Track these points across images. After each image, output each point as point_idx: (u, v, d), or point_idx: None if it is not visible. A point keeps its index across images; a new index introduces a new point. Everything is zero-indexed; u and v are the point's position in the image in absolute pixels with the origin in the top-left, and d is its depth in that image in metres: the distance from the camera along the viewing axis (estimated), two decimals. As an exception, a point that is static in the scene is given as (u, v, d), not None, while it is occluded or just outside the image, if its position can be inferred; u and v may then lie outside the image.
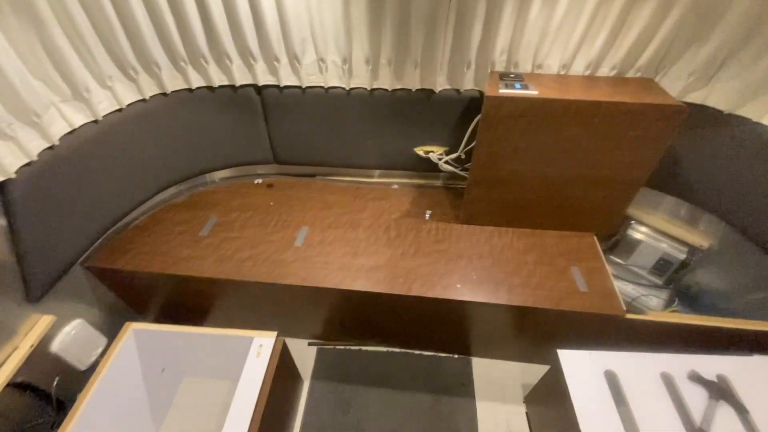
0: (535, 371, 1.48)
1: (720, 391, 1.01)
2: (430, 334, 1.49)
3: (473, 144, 1.43)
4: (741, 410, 0.98)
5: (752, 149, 1.20)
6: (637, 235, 1.60)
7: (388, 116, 1.48)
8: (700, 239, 1.49)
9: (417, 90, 1.39)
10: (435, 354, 1.57)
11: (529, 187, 1.33)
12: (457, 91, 1.38)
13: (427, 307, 1.27)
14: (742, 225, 1.30)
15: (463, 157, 1.49)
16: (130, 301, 1.52)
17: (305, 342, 1.62)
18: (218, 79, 1.45)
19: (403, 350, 1.58)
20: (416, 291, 1.23)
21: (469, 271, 1.30)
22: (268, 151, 1.67)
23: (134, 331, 1.22)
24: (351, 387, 1.47)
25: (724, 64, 1.18)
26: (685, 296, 1.61)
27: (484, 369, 1.53)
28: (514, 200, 1.37)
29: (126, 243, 1.42)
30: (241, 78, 1.44)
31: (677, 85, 1.25)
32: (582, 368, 1.07)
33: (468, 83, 1.35)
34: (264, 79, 1.44)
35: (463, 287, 1.25)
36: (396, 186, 1.67)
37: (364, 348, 1.59)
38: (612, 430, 0.95)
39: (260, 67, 1.41)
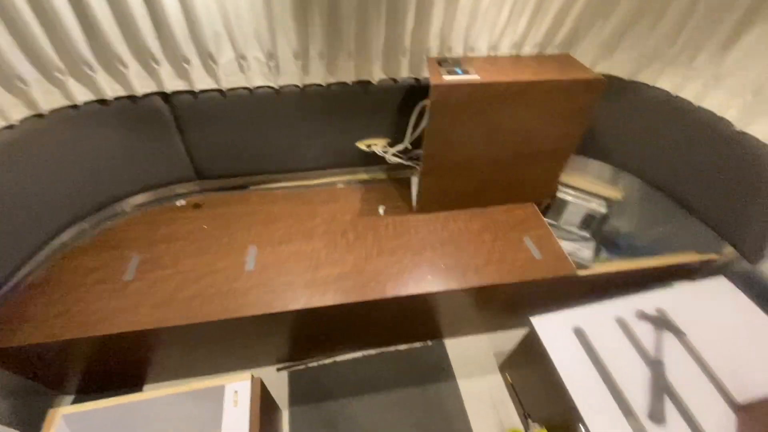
0: (502, 338, 1.58)
1: (661, 322, 1.18)
2: (403, 329, 1.49)
3: (418, 132, 1.42)
4: (679, 334, 1.16)
5: (649, 110, 1.39)
6: (565, 197, 1.77)
7: (325, 113, 1.38)
8: (615, 192, 1.71)
9: (354, 83, 1.31)
10: (410, 346, 1.57)
11: (478, 169, 1.36)
12: (394, 80, 1.34)
13: (402, 304, 1.25)
14: (649, 177, 1.51)
15: (409, 147, 1.46)
16: (44, 379, 1.23)
17: (273, 368, 1.49)
18: (111, 90, 1.18)
19: (378, 350, 1.55)
20: (391, 292, 1.20)
21: (436, 260, 1.31)
22: (187, 166, 1.44)
23: (65, 417, 0.97)
24: (334, 403, 1.40)
25: (623, 37, 1.32)
26: (607, 243, 1.85)
27: (457, 348, 1.58)
28: (464, 183, 1.40)
29: (23, 309, 1.12)
30: (142, 86, 1.20)
31: (588, 58, 1.37)
32: (554, 329, 1.16)
33: (404, 71, 1.31)
34: (172, 84, 1.22)
35: (435, 278, 1.25)
36: (341, 185, 1.59)
37: (338, 359, 1.52)
38: (590, 379, 1.06)
39: (165, 70, 1.19)
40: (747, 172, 1.22)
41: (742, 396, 1.02)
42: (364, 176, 1.63)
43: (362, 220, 1.43)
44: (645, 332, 1.17)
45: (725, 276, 1.32)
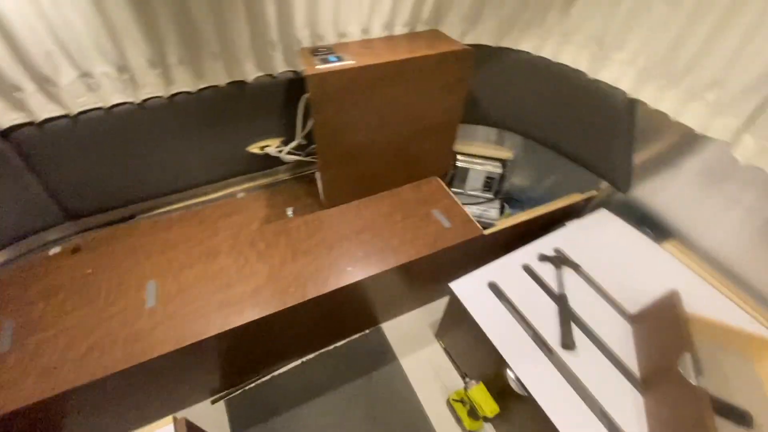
0: (433, 309, 1.64)
1: (559, 260, 1.31)
2: (336, 325, 1.47)
3: (309, 127, 1.38)
4: (575, 267, 1.30)
5: (518, 72, 1.51)
6: (465, 165, 1.87)
7: (204, 122, 1.28)
8: (506, 153, 1.84)
9: (227, 84, 1.23)
10: (348, 340, 1.57)
11: (376, 153, 1.38)
12: (271, 76, 1.28)
13: (327, 302, 1.23)
14: (528, 133, 1.65)
15: (303, 142, 1.42)
16: None
17: (207, 402, 1.38)
18: None
19: (316, 353, 1.52)
20: (312, 293, 1.17)
21: (353, 250, 1.30)
22: (52, 209, 1.25)
23: None
24: (279, 418, 1.35)
25: (483, 7, 1.41)
26: (510, 199, 2.01)
27: (394, 329, 1.60)
28: (366, 169, 1.41)
29: None
30: (-36, 126, 1.01)
31: (456, 31, 1.44)
32: (471, 289, 1.23)
33: (279, 66, 1.26)
34: (6, 119, 1.04)
35: (355, 268, 1.25)
36: (242, 194, 1.50)
37: (276, 373, 1.46)
38: (509, 326, 1.14)
39: (-10, 103, 1.01)
40: (604, 114, 1.39)
41: (633, 307, 1.18)
42: (265, 180, 1.56)
43: (271, 227, 1.37)
44: (548, 272, 1.29)
45: (606, 208, 1.51)
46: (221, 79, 1.21)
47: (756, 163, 1.05)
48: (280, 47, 1.21)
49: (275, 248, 1.29)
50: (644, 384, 1.01)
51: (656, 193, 1.42)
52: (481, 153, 1.86)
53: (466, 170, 1.87)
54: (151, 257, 1.26)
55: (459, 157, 1.88)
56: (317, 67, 1.09)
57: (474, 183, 1.90)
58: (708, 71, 1.07)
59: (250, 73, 1.23)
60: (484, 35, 1.48)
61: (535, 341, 1.11)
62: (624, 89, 1.29)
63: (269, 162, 1.46)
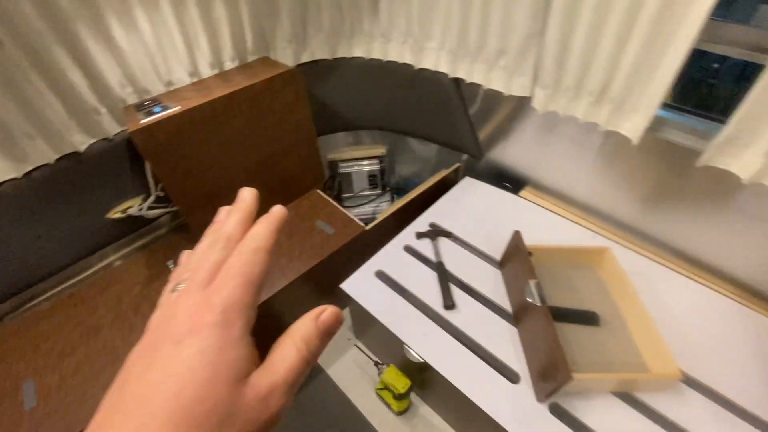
0: (347, 312, 1.70)
1: (434, 233, 1.44)
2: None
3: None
4: (448, 234, 1.43)
5: (361, 76, 1.64)
6: (346, 170, 1.96)
7: (47, 203, 1.22)
8: (378, 149, 1.97)
9: (59, 160, 1.18)
10: (272, 369, 1.56)
11: (239, 184, 1.40)
12: (107, 139, 1.26)
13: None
14: (388, 126, 1.79)
15: (162, 195, 1.41)
16: None
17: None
18: None
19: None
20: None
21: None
22: None
23: None
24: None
25: (305, 27, 1.51)
26: (399, 189, 2.14)
27: (317, 344, 1.63)
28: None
29: None
30: None
31: (288, 54, 1.53)
32: (361, 283, 1.31)
33: (111, 128, 1.25)
34: None
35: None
36: (118, 262, 1.45)
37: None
38: (400, 307, 1.23)
39: None
40: (438, 96, 1.55)
41: (498, 255, 1.33)
42: (142, 241, 1.52)
43: (154, 285, 1.34)
44: (426, 246, 1.41)
45: (470, 176, 1.68)
46: (49, 157, 1.16)
47: (549, 108, 1.25)
48: (104, 111, 1.21)
49: (161, 305, 1.27)
50: (515, 319, 1.15)
51: (507, 152, 1.62)
52: (357, 155, 1.97)
53: (348, 174, 1.97)
54: (24, 357, 1.17)
55: (340, 164, 1.97)
56: (141, 121, 1.10)
57: (360, 184, 2.00)
58: (493, 43, 1.25)
59: (81, 142, 1.20)
60: (318, 51, 1.59)
61: (422, 311, 1.21)
62: (444, 71, 1.45)
63: (139, 222, 1.43)
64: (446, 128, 1.64)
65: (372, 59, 1.61)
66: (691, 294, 1.19)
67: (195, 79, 1.35)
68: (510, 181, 1.68)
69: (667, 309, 1.14)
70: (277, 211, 0.28)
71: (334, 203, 1.60)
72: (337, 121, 1.77)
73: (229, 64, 1.41)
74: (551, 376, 0.92)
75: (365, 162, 1.97)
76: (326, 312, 0.25)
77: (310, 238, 1.45)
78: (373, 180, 1.99)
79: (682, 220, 1.24)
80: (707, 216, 1.18)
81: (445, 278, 1.27)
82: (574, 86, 1.13)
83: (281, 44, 1.50)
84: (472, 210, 1.52)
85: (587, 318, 1.11)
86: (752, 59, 0.87)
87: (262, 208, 0.30)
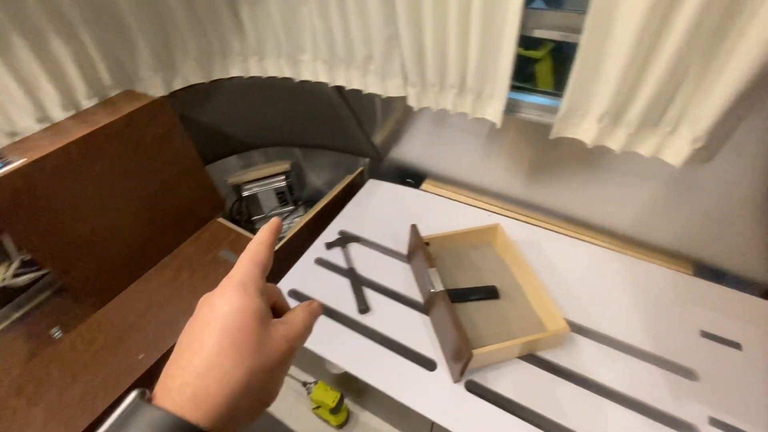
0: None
1: (343, 240, 1.44)
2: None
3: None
4: (357, 239, 1.44)
5: (244, 94, 1.60)
6: (251, 192, 1.90)
7: None
8: (284, 165, 1.94)
9: None
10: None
11: (123, 228, 1.30)
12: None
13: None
14: (284, 141, 1.77)
15: (28, 258, 1.26)
16: None
17: None
18: None
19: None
20: (102, 405, 1.05)
21: (143, 334, 1.22)
22: None
23: None
24: None
25: (170, 54, 1.43)
26: (312, 202, 2.12)
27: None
28: (121, 249, 1.32)
29: None
30: None
31: (158, 83, 1.44)
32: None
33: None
34: None
35: (148, 351, 1.17)
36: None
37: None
38: (320, 325, 1.21)
39: None
40: (325, 105, 1.56)
41: (404, 249, 1.37)
42: (19, 312, 1.34)
43: (37, 361, 1.18)
44: (337, 255, 1.40)
45: (373, 178, 1.71)
46: None
47: (423, 104, 1.31)
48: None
49: (48, 382, 1.13)
50: (426, 309, 1.19)
51: (407, 149, 1.67)
52: (261, 175, 1.92)
53: (254, 196, 1.91)
54: None
55: (244, 186, 1.91)
56: (-24, 182, 0.97)
57: (269, 203, 1.95)
58: (360, 50, 1.28)
59: None
60: (191, 76, 1.52)
61: (339, 321, 1.21)
62: (325, 81, 1.46)
63: (11, 292, 1.26)
64: (340, 135, 1.66)
65: (252, 77, 1.57)
66: (577, 252, 1.32)
67: (46, 125, 1.22)
68: (413, 176, 1.74)
69: (557, 269, 1.26)
70: (274, 220, 0.39)
71: (239, 229, 1.54)
72: (230, 143, 1.71)
73: (86, 103, 1.29)
74: (459, 356, 0.97)
75: (270, 180, 1.92)
76: (314, 303, 0.40)
77: (214, 271, 1.38)
78: (282, 197, 1.95)
79: (562, 186, 1.37)
80: (583, 179, 1.31)
81: (358, 283, 1.28)
82: (438, 82, 1.20)
83: (146, 74, 1.41)
84: (379, 211, 1.55)
85: (488, 293, 1.18)
86: (570, 39, 0.99)
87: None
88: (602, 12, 0.83)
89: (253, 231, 1.62)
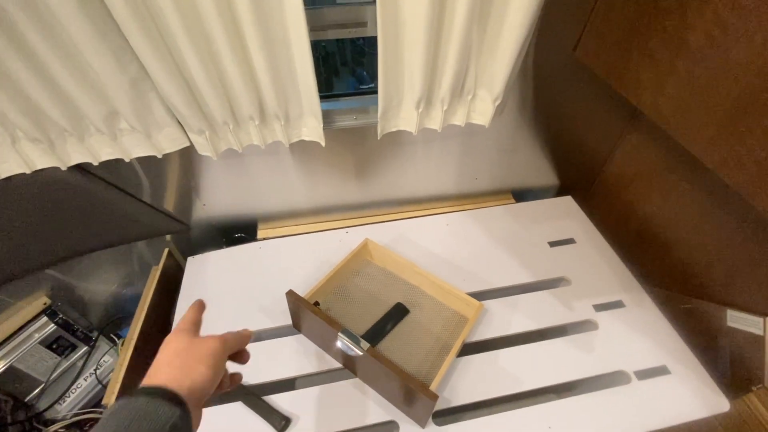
0: None
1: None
2: None
3: None
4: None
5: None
6: (5, 367, 1.18)
7: None
8: (42, 299, 1.27)
9: None
10: None
11: None
12: None
13: None
14: (51, 261, 1.14)
15: None
16: None
17: None
18: None
19: None
20: None
21: None
22: None
23: None
24: None
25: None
26: (111, 322, 1.51)
27: None
28: None
29: None
30: None
31: None
32: None
33: None
34: None
35: None
36: None
37: None
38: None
39: None
40: (75, 192, 1.06)
41: (278, 321, 1.11)
42: None
43: None
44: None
45: (189, 255, 1.31)
46: None
47: (222, 149, 1.03)
48: None
49: None
50: (351, 370, 1.00)
51: (219, 202, 1.33)
52: (12, 329, 1.22)
53: (13, 370, 1.20)
54: None
55: None
56: None
57: (44, 366, 1.27)
58: (93, 110, 0.87)
59: None
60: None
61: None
62: (56, 165, 0.97)
63: None
64: (115, 223, 1.18)
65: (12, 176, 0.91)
66: (435, 227, 1.36)
67: None
68: (241, 229, 1.44)
69: (432, 252, 1.27)
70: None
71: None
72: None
73: None
74: (421, 404, 0.85)
75: (25, 333, 1.23)
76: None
77: None
78: (59, 345, 1.30)
79: (393, 175, 1.36)
80: (401, 162, 1.32)
81: (254, 398, 0.96)
82: (231, 118, 0.94)
83: None
84: (219, 292, 1.20)
85: (399, 313, 1.09)
86: (361, 34, 0.91)
87: None
88: (389, 2, 0.77)
89: None
